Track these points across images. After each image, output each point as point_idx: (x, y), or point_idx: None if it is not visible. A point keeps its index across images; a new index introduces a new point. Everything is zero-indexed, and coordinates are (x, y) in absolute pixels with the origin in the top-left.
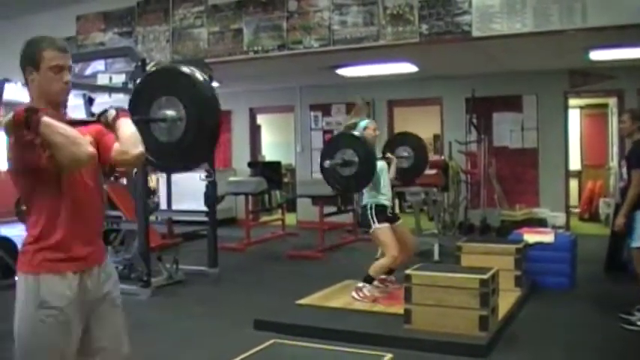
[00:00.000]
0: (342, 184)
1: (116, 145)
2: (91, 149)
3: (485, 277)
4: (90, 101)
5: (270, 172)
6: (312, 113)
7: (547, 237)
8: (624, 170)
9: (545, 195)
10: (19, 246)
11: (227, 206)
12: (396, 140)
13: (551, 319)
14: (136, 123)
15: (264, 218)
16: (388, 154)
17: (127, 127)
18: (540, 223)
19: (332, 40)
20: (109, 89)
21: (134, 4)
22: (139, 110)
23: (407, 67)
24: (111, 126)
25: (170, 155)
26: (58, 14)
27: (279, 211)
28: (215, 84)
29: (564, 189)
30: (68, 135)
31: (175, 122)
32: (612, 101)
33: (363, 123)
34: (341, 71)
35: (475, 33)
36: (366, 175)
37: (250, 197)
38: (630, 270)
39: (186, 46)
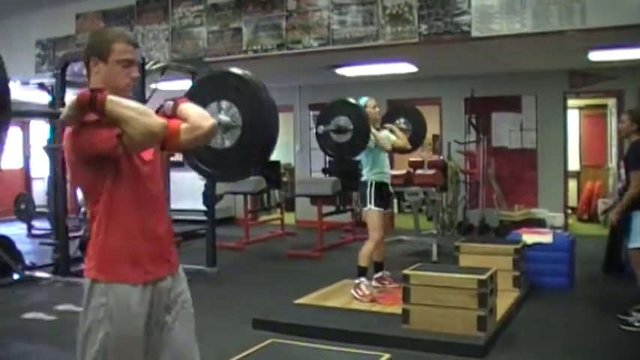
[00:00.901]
0: (336, 150)
1: (183, 126)
2: (162, 119)
3: (483, 277)
4: None
5: (269, 172)
6: (311, 113)
7: (546, 237)
8: (622, 171)
9: (543, 195)
10: (89, 246)
11: (226, 205)
12: (394, 112)
13: (550, 320)
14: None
15: (263, 217)
16: (388, 125)
17: (190, 108)
18: (539, 223)
19: (331, 40)
20: None
21: (133, 2)
22: None
23: (406, 67)
24: (172, 113)
25: (224, 163)
26: (58, 12)
27: (278, 210)
28: None
29: (563, 189)
30: (136, 107)
31: (230, 128)
32: (611, 102)
33: (362, 101)
34: (340, 71)
35: (474, 33)
36: (360, 143)
37: (249, 196)
38: (628, 271)
39: (186, 45)
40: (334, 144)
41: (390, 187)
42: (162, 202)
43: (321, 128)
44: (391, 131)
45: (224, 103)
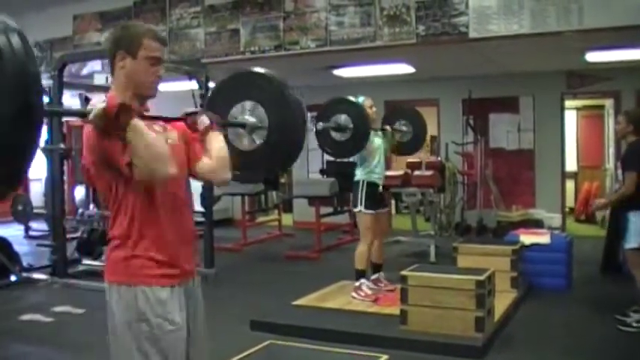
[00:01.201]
0: (334, 149)
1: (205, 161)
2: (173, 170)
3: (481, 278)
4: (87, 101)
5: None
6: (309, 114)
7: (543, 238)
8: (620, 172)
9: (541, 196)
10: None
11: (223, 207)
12: (394, 114)
13: (548, 321)
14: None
15: (261, 219)
16: (386, 127)
17: (218, 145)
18: (536, 224)
19: (329, 41)
20: (106, 89)
21: (131, 4)
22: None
23: (403, 68)
24: (200, 134)
25: (249, 164)
26: (55, 14)
27: (276, 211)
28: (212, 84)
29: (560, 190)
30: (153, 148)
31: (256, 129)
32: (609, 102)
33: (359, 100)
34: (338, 72)
35: (472, 34)
36: (359, 143)
37: (247, 198)
38: (626, 271)
39: (183, 46)
40: (333, 142)
41: (380, 187)
42: (187, 205)
43: (321, 125)
44: (384, 135)
45: (250, 104)
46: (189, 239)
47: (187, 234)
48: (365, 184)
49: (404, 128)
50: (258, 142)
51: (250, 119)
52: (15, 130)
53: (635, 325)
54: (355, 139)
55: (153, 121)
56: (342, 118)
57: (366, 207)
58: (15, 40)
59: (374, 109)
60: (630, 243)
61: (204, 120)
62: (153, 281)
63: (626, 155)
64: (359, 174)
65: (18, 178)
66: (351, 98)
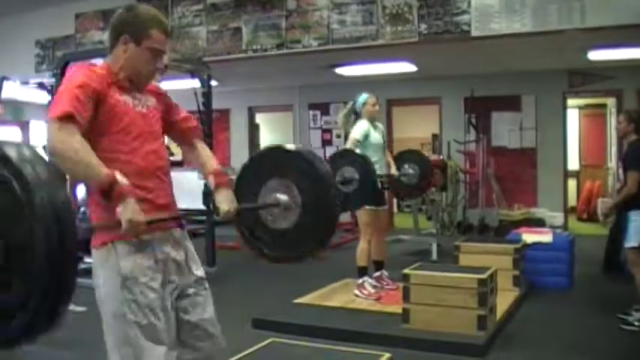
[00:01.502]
0: (344, 202)
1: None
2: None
3: (483, 276)
4: None
5: None
6: (310, 112)
7: (545, 237)
8: (621, 171)
9: (543, 195)
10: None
11: None
12: (401, 158)
13: (549, 319)
14: (247, 212)
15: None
16: (392, 171)
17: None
18: (538, 222)
19: (331, 39)
20: None
21: (133, 2)
22: (246, 194)
23: (406, 67)
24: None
25: (286, 244)
26: (57, 12)
27: None
28: (214, 83)
29: (562, 189)
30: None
31: (289, 207)
32: (611, 101)
33: (362, 98)
34: (340, 70)
35: (474, 33)
36: (367, 192)
37: None
38: (628, 270)
39: (185, 44)
40: (342, 195)
41: (379, 184)
42: (165, 168)
43: None
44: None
45: (281, 181)
46: (163, 186)
47: (158, 170)
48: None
49: (410, 171)
50: (292, 220)
51: (283, 197)
52: (51, 267)
53: (636, 323)
54: (362, 189)
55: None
56: (347, 171)
57: (367, 203)
58: (41, 169)
59: (377, 107)
60: (630, 242)
61: (223, 208)
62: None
63: (627, 155)
64: None
65: (58, 315)
66: (356, 150)
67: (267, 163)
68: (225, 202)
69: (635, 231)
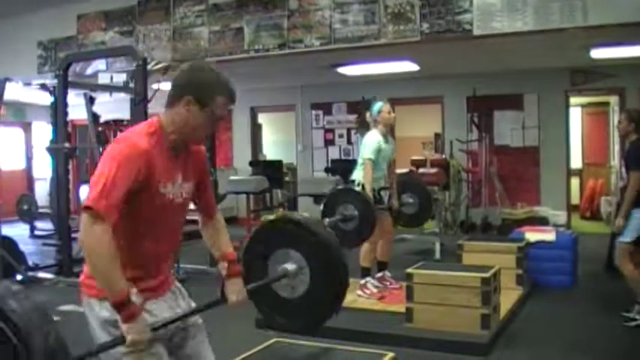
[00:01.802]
0: (345, 239)
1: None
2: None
3: (486, 275)
4: (91, 100)
5: (272, 171)
6: (313, 112)
7: (548, 235)
8: (624, 170)
9: (546, 193)
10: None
11: (228, 205)
12: (400, 186)
13: (553, 318)
14: (258, 289)
15: (266, 217)
16: (393, 202)
17: None
18: (542, 221)
19: (333, 39)
20: (110, 88)
21: (135, 2)
22: (254, 265)
23: (408, 66)
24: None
25: (297, 312)
26: (59, 13)
27: (281, 209)
28: None
29: (565, 187)
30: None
31: (298, 276)
32: (614, 99)
33: (377, 106)
34: (342, 70)
35: (476, 31)
36: (367, 227)
37: (251, 196)
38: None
39: (187, 45)
40: (342, 232)
41: (379, 193)
42: (178, 231)
43: (326, 221)
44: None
45: (289, 251)
46: (167, 257)
47: (167, 254)
48: (361, 185)
49: (410, 200)
50: (302, 289)
51: (290, 267)
52: None
53: (637, 317)
54: (362, 225)
55: (176, 172)
56: (347, 208)
57: None
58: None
59: (392, 114)
60: (626, 237)
61: (231, 299)
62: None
63: (629, 154)
64: (355, 174)
65: None
66: (354, 188)
67: (273, 235)
68: (234, 293)
69: (634, 228)
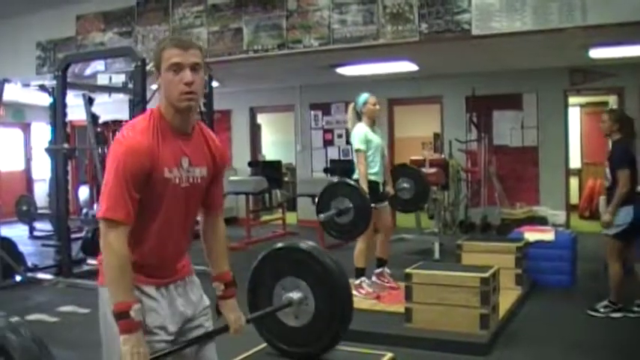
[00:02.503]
0: (340, 232)
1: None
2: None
3: (485, 275)
4: (90, 101)
5: (271, 172)
6: (312, 112)
7: (547, 235)
8: (607, 170)
9: (545, 193)
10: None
11: (228, 206)
12: (396, 172)
13: (552, 317)
14: (263, 317)
15: (265, 217)
16: (388, 189)
17: None
18: (541, 221)
19: (332, 39)
20: (109, 89)
21: (134, 3)
22: (260, 291)
23: (407, 66)
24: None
25: (302, 341)
26: (58, 14)
27: (280, 210)
28: (215, 83)
29: (565, 187)
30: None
31: (302, 305)
32: (613, 99)
33: (362, 98)
34: (341, 70)
35: (475, 31)
36: (363, 220)
37: (251, 196)
38: (628, 267)
39: None
40: (338, 226)
41: (382, 186)
42: (187, 231)
43: (322, 216)
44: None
45: (295, 280)
46: (179, 245)
47: (179, 241)
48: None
49: (405, 185)
50: (306, 318)
51: (295, 296)
52: None
53: (602, 310)
54: (358, 217)
55: (183, 152)
56: (342, 201)
57: None
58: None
59: (377, 106)
60: (611, 230)
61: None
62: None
63: (614, 154)
64: (357, 174)
65: None
66: (348, 181)
67: (274, 263)
68: (233, 319)
69: (619, 222)
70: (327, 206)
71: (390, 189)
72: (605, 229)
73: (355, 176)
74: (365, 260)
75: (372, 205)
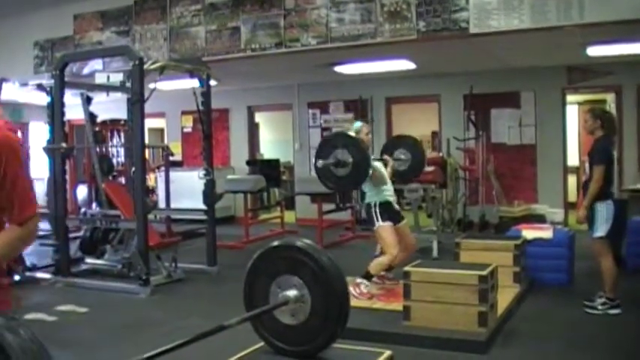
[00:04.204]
0: (336, 183)
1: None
2: None
3: (484, 273)
4: (88, 100)
5: (269, 170)
6: (310, 111)
7: (545, 233)
8: (587, 165)
9: (543, 191)
10: None
11: (226, 204)
12: (393, 143)
13: (550, 315)
14: (259, 315)
15: (263, 216)
16: (385, 157)
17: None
18: (539, 219)
19: (329, 38)
20: (107, 88)
21: (131, 2)
22: (256, 287)
23: (405, 64)
24: None
25: (300, 340)
26: (56, 13)
27: (278, 208)
28: (213, 82)
29: (562, 185)
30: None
31: (298, 303)
32: (610, 97)
33: (356, 126)
34: (339, 69)
35: (472, 30)
36: (360, 176)
37: (249, 195)
38: (628, 266)
39: (184, 44)
40: (335, 177)
41: (395, 205)
42: None
43: (320, 162)
44: (385, 164)
45: (291, 278)
46: None
47: None
48: (377, 205)
49: (402, 157)
50: (302, 316)
51: (292, 294)
52: None
53: (600, 307)
54: (356, 172)
55: None
56: (341, 153)
57: (383, 219)
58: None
59: (369, 135)
60: (598, 232)
61: None
62: None
63: (593, 150)
64: (369, 197)
65: None
66: (350, 133)
67: (271, 261)
68: None
69: (602, 221)
70: (327, 156)
71: (387, 157)
72: (580, 223)
73: (367, 200)
74: (380, 271)
75: (390, 222)
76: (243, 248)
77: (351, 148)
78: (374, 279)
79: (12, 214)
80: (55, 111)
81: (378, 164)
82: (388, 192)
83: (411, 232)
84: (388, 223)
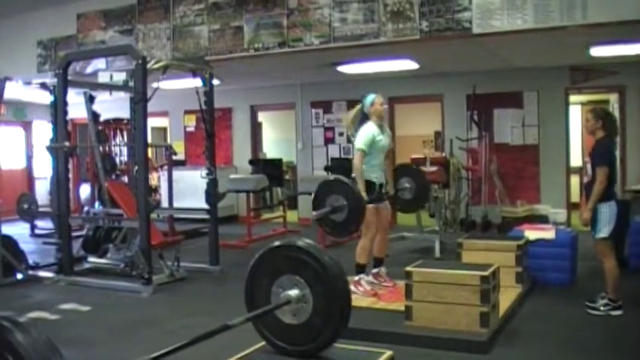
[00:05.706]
0: (336, 229)
1: None
2: None
3: (486, 273)
4: (91, 99)
5: (272, 170)
6: (313, 110)
7: (548, 233)
8: (589, 166)
9: (546, 191)
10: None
11: (228, 204)
12: (398, 172)
13: (552, 316)
14: (261, 315)
15: (266, 215)
16: (387, 188)
17: None
18: (541, 219)
19: (332, 38)
20: (110, 87)
21: (134, 1)
22: (258, 287)
23: (407, 64)
24: None
25: (296, 338)
26: (59, 12)
27: (281, 208)
28: (216, 81)
29: (565, 185)
30: None
31: (300, 303)
32: (614, 97)
33: (370, 98)
34: (341, 68)
35: (475, 30)
36: (356, 220)
37: (251, 194)
38: (631, 266)
39: (187, 43)
40: (334, 223)
41: (382, 187)
42: None
43: (314, 214)
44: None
45: (293, 278)
46: None
47: None
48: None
49: (407, 185)
50: (304, 316)
51: (293, 294)
52: None
53: (602, 308)
54: (351, 215)
55: None
56: (337, 199)
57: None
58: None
59: (384, 105)
60: (601, 233)
61: None
62: None
63: (595, 151)
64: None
65: None
66: (341, 178)
67: (272, 261)
68: None
69: (605, 222)
70: (323, 203)
71: (389, 188)
72: (584, 225)
73: (354, 174)
74: (367, 257)
75: (373, 205)
76: (245, 247)
77: (343, 193)
78: (370, 278)
79: None
80: (58, 110)
81: (371, 138)
82: (375, 173)
83: (389, 214)
84: (369, 205)
